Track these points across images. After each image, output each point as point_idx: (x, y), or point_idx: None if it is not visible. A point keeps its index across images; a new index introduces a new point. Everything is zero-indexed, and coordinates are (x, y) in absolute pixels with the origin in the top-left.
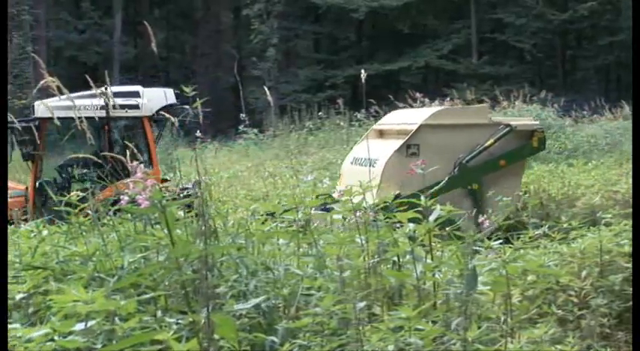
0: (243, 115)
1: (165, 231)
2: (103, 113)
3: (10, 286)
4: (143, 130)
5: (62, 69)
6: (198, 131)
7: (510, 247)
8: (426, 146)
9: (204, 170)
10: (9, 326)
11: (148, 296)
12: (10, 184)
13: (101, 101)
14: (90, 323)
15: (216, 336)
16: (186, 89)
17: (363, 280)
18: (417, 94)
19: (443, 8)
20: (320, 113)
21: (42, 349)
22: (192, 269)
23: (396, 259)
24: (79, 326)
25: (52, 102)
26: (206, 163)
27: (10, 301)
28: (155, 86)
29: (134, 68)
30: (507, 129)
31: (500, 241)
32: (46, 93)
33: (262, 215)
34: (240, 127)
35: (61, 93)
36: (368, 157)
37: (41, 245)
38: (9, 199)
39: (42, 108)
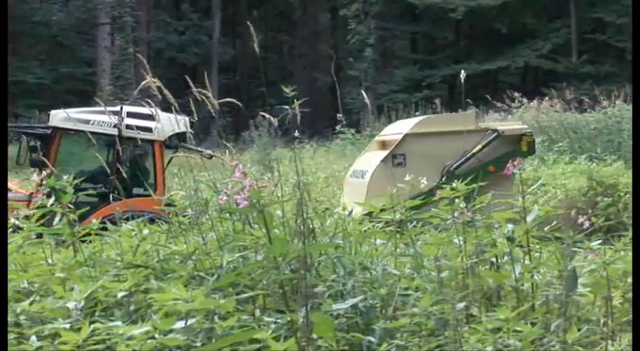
0: (340, 116)
1: (264, 230)
2: (116, 131)
3: (111, 285)
4: (153, 153)
5: (162, 70)
6: (296, 131)
7: (610, 248)
8: (413, 155)
9: (302, 170)
10: (110, 324)
11: (246, 295)
12: (14, 187)
13: (115, 119)
14: (190, 321)
15: (314, 335)
16: (286, 89)
17: (461, 280)
18: (515, 94)
19: (542, 7)
20: (417, 113)
21: (143, 347)
22: (290, 269)
23: (494, 259)
24: (180, 324)
25: (68, 113)
26: (304, 163)
27: (111, 299)
28: (253, 87)
29: (232, 69)
30: (495, 134)
31: (600, 241)
32: (147, 94)
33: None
34: (337, 128)
35: (162, 94)
36: (361, 169)
37: (142, 244)
38: (10, 202)
39: (57, 117)
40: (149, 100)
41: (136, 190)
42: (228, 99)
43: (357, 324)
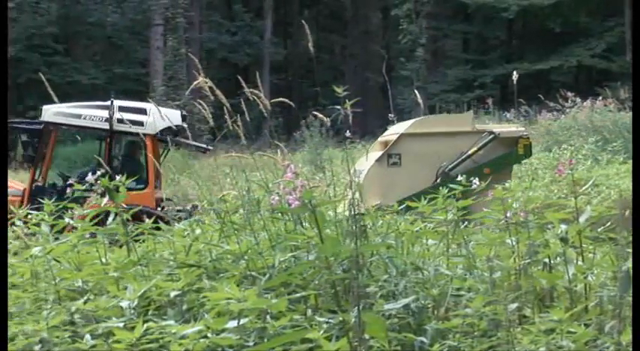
0: (391, 115)
1: (316, 230)
2: (107, 125)
3: (164, 284)
4: (145, 147)
5: (214, 71)
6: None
7: None
8: (408, 155)
9: (353, 170)
10: (163, 323)
11: (298, 295)
12: (10, 182)
13: (107, 113)
14: (242, 321)
15: (366, 335)
16: (338, 89)
17: (514, 281)
18: (569, 94)
19: (595, 6)
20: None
21: (195, 346)
22: (342, 269)
23: (547, 260)
24: (232, 324)
25: (59, 108)
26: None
27: (164, 299)
28: (304, 87)
29: (284, 69)
30: (491, 136)
31: None
32: (199, 94)
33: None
34: (389, 128)
35: (214, 94)
36: (359, 169)
37: (195, 244)
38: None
39: (49, 113)
40: (201, 101)
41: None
42: (279, 99)
43: (408, 324)
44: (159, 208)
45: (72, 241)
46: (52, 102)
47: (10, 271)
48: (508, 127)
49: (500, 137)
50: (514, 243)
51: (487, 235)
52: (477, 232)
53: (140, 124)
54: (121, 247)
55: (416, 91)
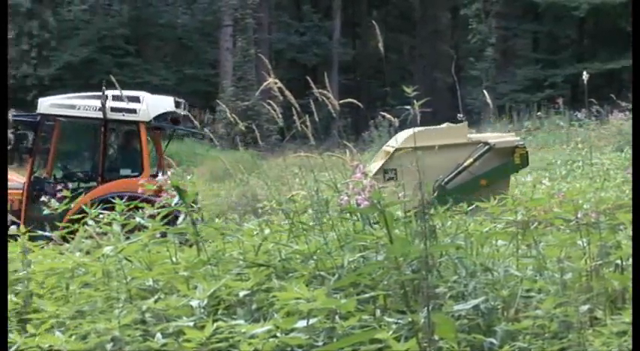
0: (460, 116)
1: (385, 230)
2: (101, 114)
3: (234, 283)
4: (138, 134)
5: (283, 71)
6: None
7: None
8: (404, 170)
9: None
10: (233, 322)
11: (367, 295)
12: (11, 176)
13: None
14: (311, 321)
15: (435, 336)
16: (407, 89)
17: (585, 282)
18: None
19: None
20: (539, 113)
21: (265, 346)
22: (411, 269)
23: (618, 261)
24: (301, 323)
25: (54, 99)
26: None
27: (234, 298)
28: (372, 87)
29: (352, 69)
30: (486, 147)
31: None
32: (268, 95)
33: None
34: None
35: (283, 95)
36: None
37: (264, 243)
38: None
39: (44, 105)
40: (270, 102)
41: (123, 172)
42: (348, 99)
43: (478, 325)
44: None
45: (143, 241)
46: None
47: (82, 270)
48: (503, 136)
49: (495, 148)
50: (585, 244)
51: (558, 236)
52: (548, 233)
53: (133, 111)
54: (190, 246)
55: (485, 92)
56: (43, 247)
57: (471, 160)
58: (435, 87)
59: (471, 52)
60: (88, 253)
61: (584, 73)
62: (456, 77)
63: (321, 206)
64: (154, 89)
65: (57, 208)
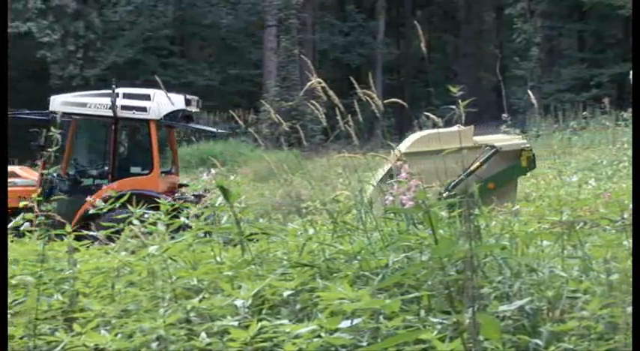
0: (505, 115)
1: (429, 231)
2: (111, 112)
3: (278, 283)
4: (148, 132)
5: (327, 71)
6: None
7: None
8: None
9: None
10: (277, 322)
11: (411, 296)
12: (24, 173)
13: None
14: (355, 321)
15: (480, 337)
16: (453, 89)
17: (631, 283)
18: None
19: None
20: (584, 113)
21: (309, 346)
22: (455, 269)
23: None
24: (345, 324)
25: (66, 97)
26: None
27: (278, 298)
28: (416, 87)
29: (396, 69)
30: (493, 150)
31: None
32: (312, 95)
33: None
34: (503, 128)
35: (327, 95)
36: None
37: (308, 243)
38: (19, 188)
39: (56, 102)
40: (314, 102)
41: (133, 170)
42: (392, 99)
43: (523, 326)
44: (176, 193)
45: (188, 240)
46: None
47: (127, 269)
48: (510, 139)
49: (502, 151)
50: (631, 244)
51: (604, 237)
52: (593, 233)
53: (143, 109)
54: (235, 246)
55: (530, 91)
56: (88, 247)
57: (477, 163)
58: (479, 87)
59: (516, 52)
60: (133, 252)
61: (630, 72)
62: (500, 77)
63: (365, 206)
64: (199, 89)
65: (102, 209)
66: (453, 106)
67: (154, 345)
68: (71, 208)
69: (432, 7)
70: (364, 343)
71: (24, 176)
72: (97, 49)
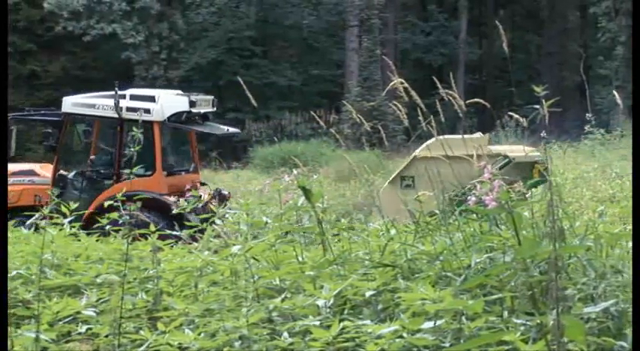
0: (589, 115)
1: (512, 231)
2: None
3: (360, 283)
4: (152, 133)
5: (408, 71)
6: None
7: None
8: (422, 178)
9: (550, 171)
10: (359, 322)
11: (494, 297)
12: (43, 171)
13: (121, 103)
14: (438, 322)
15: (564, 339)
16: (537, 89)
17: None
18: None
19: None
20: None
21: (391, 346)
22: (539, 270)
23: None
24: (428, 324)
25: (77, 98)
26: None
27: (360, 298)
28: (499, 87)
29: (478, 69)
30: (506, 161)
31: None
32: (393, 95)
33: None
34: (586, 128)
35: (408, 95)
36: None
37: (390, 244)
38: (36, 186)
39: (67, 103)
40: (395, 102)
41: (137, 171)
42: (474, 99)
43: (608, 328)
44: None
45: (270, 240)
46: (250, 104)
47: (210, 268)
48: (524, 150)
49: (515, 162)
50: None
51: None
52: None
53: (147, 111)
54: (317, 246)
55: (615, 91)
56: (172, 246)
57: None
58: (562, 86)
59: (600, 51)
60: (216, 252)
61: None
62: (584, 76)
63: (447, 207)
64: (281, 90)
65: (184, 208)
66: (537, 106)
67: (237, 344)
68: (82, 205)
69: (514, 5)
70: (447, 344)
71: (42, 175)
72: (181, 50)
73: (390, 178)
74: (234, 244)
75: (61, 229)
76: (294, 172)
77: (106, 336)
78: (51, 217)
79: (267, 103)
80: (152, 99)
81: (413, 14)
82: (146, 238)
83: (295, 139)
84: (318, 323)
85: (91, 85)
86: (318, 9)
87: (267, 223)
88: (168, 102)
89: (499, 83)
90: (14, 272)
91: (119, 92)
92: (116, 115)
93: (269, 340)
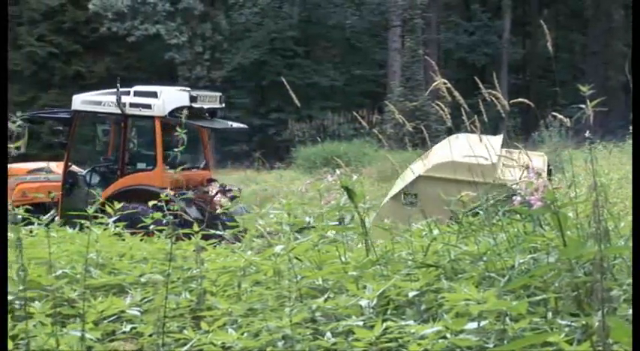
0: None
1: (556, 232)
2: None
3: (403, 283)
4: (153, 129)
5: (451, 71)
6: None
7: None
8: (425, 197)
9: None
10: (402, 322)
11: (538, 298)
12: (59, 169)
13: (125, 99)
14: (482, 323)
15: (609, 340)
16: (583, 88)
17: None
18: None
19: None
20: None
21: (434, 347)
22: (584, 271)
23: None
24: (471, 325)
25: (86, 96)
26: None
27: (403, 298)
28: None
29: (522, 69)
30: (509, 193)
31: None
32: (436, 95)
33: None
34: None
35: (451, 95)
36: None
37: (433, 244)
38: (51, 183)
39: (77, 101)
40: (438, 102)
41: (139, 165)
42: (518, 99)
43: None
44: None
45: (313, 240)
46: (293, 104)
47: (253, 268)
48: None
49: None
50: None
51: None
52: None
53: (148, 107)
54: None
55: None
56: (215, 246)
57: (493, 202)
58: (607, 86)
59: None
60: (259, 252)
61: None
62: (630, 76)
63: (490, 207)
64: (323, 90)
65: (228, 208)
66: (581, 106)
67: (280, 344)
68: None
69: (558, 5)
70: (490, 345)
71: (57, 172)
72: (224, 50)
73: (392, 194)
74: (277, 244)
75: (105, 229)
76: (337, 172)
77: (150, 335)
78: (95, 217)
79: (310, 103)
80: (154, 95)
81: (456, 14)
82: (189, 238)
83: (338, 139)
84: (361, 323)
85: (136, 85)
86: (361, 9)
87: (309, 222)
88: (170, 97)
89: (543, 83)
90: (59, 271)
91: (125, 89)
92: (119, 111)
93: (312, 340)
